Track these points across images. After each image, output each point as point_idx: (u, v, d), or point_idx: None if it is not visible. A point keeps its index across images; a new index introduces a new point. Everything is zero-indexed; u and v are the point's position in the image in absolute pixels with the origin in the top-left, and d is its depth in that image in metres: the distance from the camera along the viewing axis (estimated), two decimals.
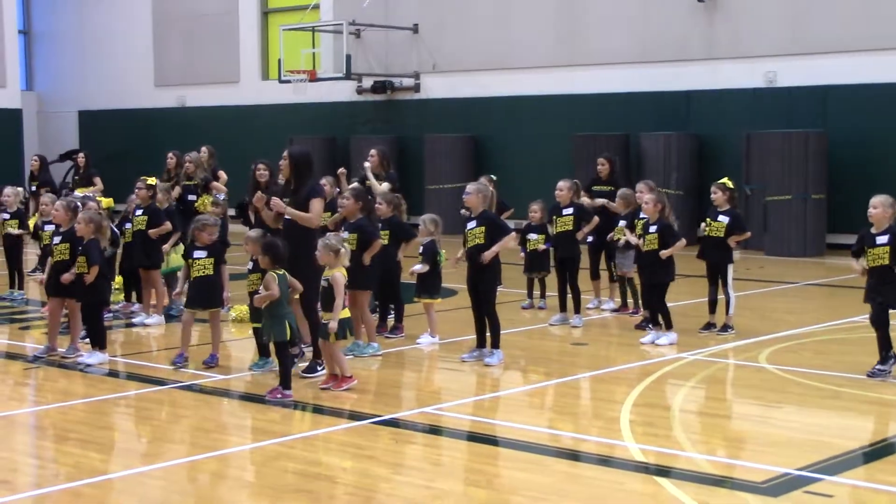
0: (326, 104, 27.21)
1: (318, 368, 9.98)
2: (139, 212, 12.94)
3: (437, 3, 25.73)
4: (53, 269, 10.96)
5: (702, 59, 22.18)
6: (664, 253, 11.50)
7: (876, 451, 7.96)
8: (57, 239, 11.03)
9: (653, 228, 11.67)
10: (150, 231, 12.75)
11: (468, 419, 8.88)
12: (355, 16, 25.83)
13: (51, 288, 11.01)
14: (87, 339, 10.95)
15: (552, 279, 13.33)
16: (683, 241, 11.65)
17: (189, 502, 6.92)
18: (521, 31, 24.42)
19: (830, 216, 20.36)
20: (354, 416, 8.78)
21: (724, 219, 12.06)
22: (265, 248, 9.41)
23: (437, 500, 6.77)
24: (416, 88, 26.24)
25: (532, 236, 13.24)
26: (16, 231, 14.42)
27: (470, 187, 10.84)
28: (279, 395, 9.21)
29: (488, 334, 10.76)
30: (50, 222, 12.22)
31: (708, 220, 12.18)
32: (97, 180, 19.55)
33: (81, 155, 20.69)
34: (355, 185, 12.94)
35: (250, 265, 10.30)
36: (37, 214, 14.73)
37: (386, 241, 11.61)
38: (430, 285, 11.65)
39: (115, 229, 12.37)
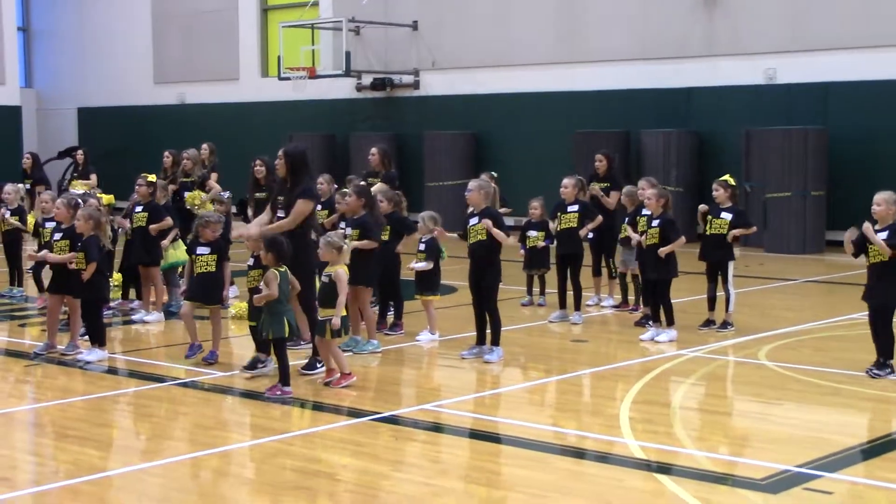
0: (326, 101, 27.20)
1: (318, 366, 9.98)
2: (139, 208, 12.95)
3: (436, 0, 25.71)
4: (53, 266, 10.96)
5: (702, 55, 22.17)
6: (663, 251, 11.50)
7: (875, 448, 7.95)
8: (58, 235, 11.02)
9: (655, 223, 11.68)
10: (151, 227, 12.75)
11: (468, 416, 8.87)
12: (355, 13, 25.82)
13: (51, 285, 11.00)
14: (87, 337, 10.94)
15: (552, 276, 13.33)
16: (683, 239, 11.65)
17: (188, 499, 6.91)
18: (520, 27, 24.40)
19: (830, 213, 20.35)
20: (354, 413, 8.78)
21: (726, 216, 12.05)
22: (269, 244, 9.40)
23: (437, 498, 6.77)
24: (416, 85, 26.23)
25: (532, 233, 13.24)
26: (17, 224, 14.44)
27: (472, 184, 10.84)
28: (278, 392, 9.21)
29: (488, 331, 10.76)
30: (51, 219, 12.21)
31: (710, 217, 12.17)
32: (93, 177, 19.55)
33: (80, 152, 20.66)
34: (359, 181, 12.96)
35: (251, 261, 10.31)
36: (35, 211, 14.71)
37: (386, 238, 11.63)
38: (429, 282, 11.65)
39: (114, 227, 12.38)
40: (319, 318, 9.62)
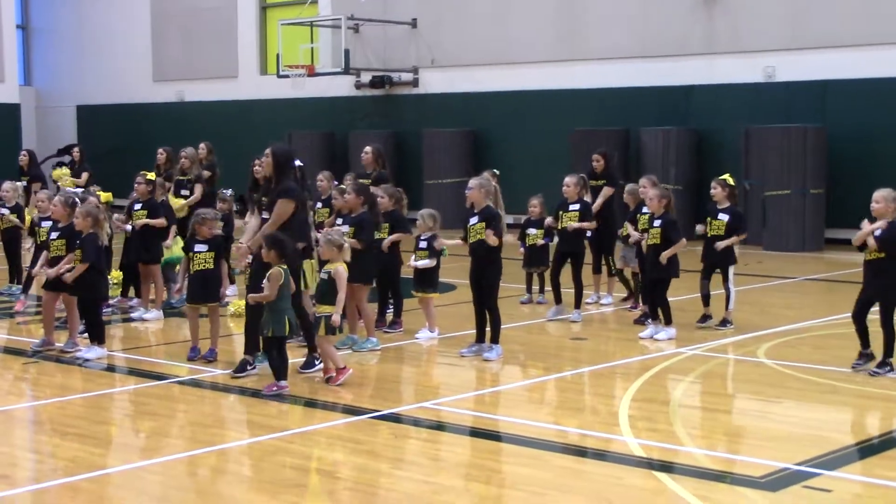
0: (325, 99, 27.19)
1: (316, 363, 9.98)
2: (138, 206, 12.95)
3: None
4: (49, 264, 10.94)
5: (701, 53, 22.16)
6: (664, 255, 11.49)
7: (875, 446, 7.96)
8: (54, 234, 11.01)
9: (657, 223, 11.69)
10: (148, 221, 12.78)
11: (468, 414, 8.87)
12: (354, 10, 25.82)
13: (47, 282, 10.99)
14: (87, 334, 10.94)
15: None
16: (684, 241, 11.65)
17: (188, 497, 6.91)
18: (520, 25, 24.39)
19: (829, 211, 20.35)
20: (353, 410, 8.78)
21: (724, 217, 12.06)
22: (271, 242, 9.39)
23: (437, 496, 6.76)
24: (415, 83, 26.21)
25: (531, 231, 13.25)
26: (15, 222, 14.43)
27: (472, 182, 10.84)
28: (275, 389, 9.20)
29: (488, 329, 10.76)
30: (47, 218, 12.18)
31: (708, 218, 12.18)
32: (84, 175, 19.47)
33: (77, 149, 20.64)
34: (357, 179, 12.95)
35: (249, 258, 10.28)
36: (31, 209, 14.69)
37: (385, 235, 11.64)
38: (428, 280, 11.65)
39: (111, 227, 12.39)
40: (317, 315, 9.62)
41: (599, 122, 22.74)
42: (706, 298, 12.18)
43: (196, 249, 10.55)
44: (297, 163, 13.02)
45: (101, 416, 8.88)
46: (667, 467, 7.31)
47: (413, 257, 11.65)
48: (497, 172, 14.29)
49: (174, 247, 13.30)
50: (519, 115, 24.36)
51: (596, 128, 22.41)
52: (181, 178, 15.06)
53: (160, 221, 12.89)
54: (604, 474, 7.20)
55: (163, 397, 9.39)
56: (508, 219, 11.32)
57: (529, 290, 14.05)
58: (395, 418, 8.56)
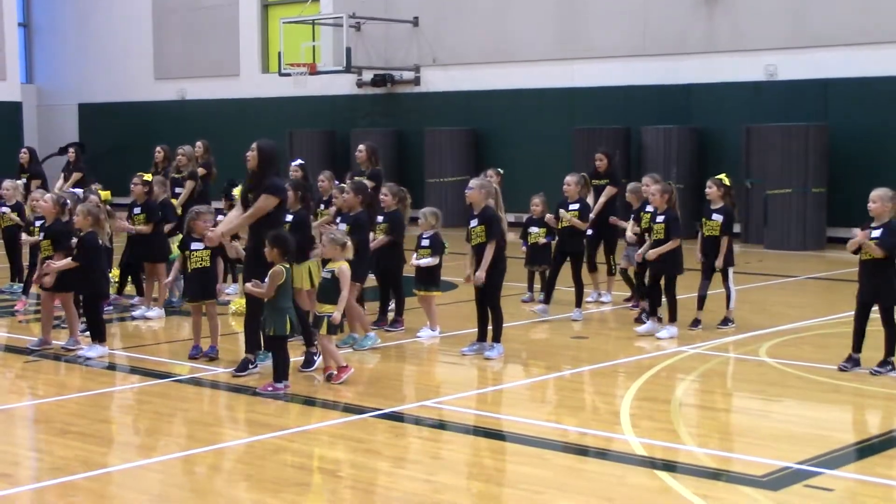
0: (326, 97, 27.19)
1: (315, 359, 9.99)
2: (137, 210, 12.97)
3: None
4: (40, 264, 10.91)
5: (702, 52, 22.14)
6: (652, 254, 11.54)
7: (876, 445, 7.95)
8: (42, 234, 11.00)
9: (660, 218, 11.71)
10: (138, 229, 12.80)
11: (469, 413, 8.87)
12: (355, 9, 25.81)
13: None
14: (88, 333, 10.94)
15: None
16: (677, 241, 11.65)
17: (188, 496, 6.91)
18: (521, 24, 24.38)
19: (830, 210, 20.34)
20: (355, 409, 8.78)
21: (717, 217, 12.07)
22: (273, 240, 9.38)
23: (438, 494, 6.76)
24: (417, 82, 26.21)
25: (533, 230, 13.24)
26: (16, 220, 14.44)
27: (473, 182, 10.83)
28: (270, 389, 9.20)
29: (489, 328, 10.75)
30: (42, 218, 12.18)
31: (703, 219, 12.20)
32: (76, 174, 19.47)
33: (72, 150, 20.69)
34: (356, 178, 12.94)
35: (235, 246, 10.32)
36: (28, 209, 14.69)
37: (380, 235, 11.66)
38: (430, 278, 11.64)
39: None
40: (317, 314, 9.61)
41: (601, 120, 22.74)
42: (701, 300, 12.14)
43: (192, 247, 10.53)
44: (299, 161, 13.08)
45: (102, 414, 8.88)
46: (668, 466, 7.31)
47: (415, 255, 11.65)
48: (501, 171, 14.30)
49: (172, 245, 13.31)
50: (520, 113, 24.35)
51: (597, 126, 22.42)
52: (176, 175, 15.08)
53: (144, 229, 12.86)
54: (605, 473, 7.20)
55: (164, 395, 9.38)
56: (510, 217, 11.31)
57: (531, 288, 14.04)
58: (396, 417, 8.56)
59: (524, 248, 13.53)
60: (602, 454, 7.69)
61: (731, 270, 12.23)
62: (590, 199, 13.65)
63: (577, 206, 12.80)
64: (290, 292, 9.45)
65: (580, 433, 8.28)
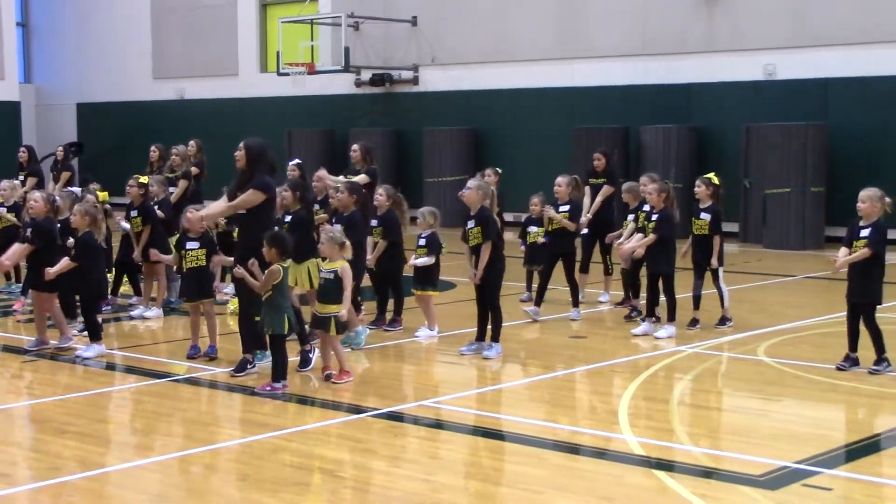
0: (325, 97, 27.19)
1: (311, 356, 9.98)
2: (134, 213, 12.97)
3: None
4: (39, 263, 10.89)
5: (701, 51, 22.15)
6: (628, 247, 11.60)
7: (874, 444, 7.95)
8: (30, 231, 10.99)
9: (654, 217, 11.73)
10: (142, 231, 12.81)
11: (467, 412, 8.86)
12: (354, 8, 25.81)
13: (36, 282, 10.98)
14: (86, 333, 10.93)
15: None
16: (652, 237, 11.66)
17: (186, 496, 6.90)
18: (520, 23, 24.38)
19: (829, 209, 20.34)
20: (353, 409, 8.78)
21: (706, 216, 12.10)
22: (271, 240, 9.37)
23: (436, 494, 6.76)
24: (415, 81, 26.21)
25: (532, 229, 13.23)
26: (13, 221, 14.43)
27: (470, 183, 10.82)
28: (268, 388, 9.19)
29: (488, 327, 10.74)
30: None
31: (692, 219, 12.22)
32: (65, 174, 19.43)
33: (60, 148, 20.68)
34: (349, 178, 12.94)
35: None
36: (24, 210, 14.70)
37: (378, 236, 11.64)
38: (428, 277, 11.64)
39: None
40: (321, 315, 9.57)
41: (600, 119, 22.74)
42: (697, 300, 12.13)
43: (188, 247, 10.53)
44: (297, 161, 13.07)
45: (100, 414, 8.88)
46: (666, 465, 7.31)
47: (413, 255, 11.65)
48: (499, 171, 14.30)
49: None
50: (519, 112, 24.35)
51: (596, 126, 22.42)
52: (170, 175, 15.09)
53: (144, 234, 12.87)
54: (603, 472, 7.19)
55: (162, 395, 9.38)
56: (509, 217, 11.30)
57: (529, 288, 14.01)
58: (394, 416, 8.56)
59: (523, 248, 13.52)
60: (600, 454, 7.69)
61: (720, 270, 12.23)
62: (587, 199, 13.65)
63: (567, 207, 12.79)
64: (288, 291, 9.45)
65: (578, 433, 8.27)
